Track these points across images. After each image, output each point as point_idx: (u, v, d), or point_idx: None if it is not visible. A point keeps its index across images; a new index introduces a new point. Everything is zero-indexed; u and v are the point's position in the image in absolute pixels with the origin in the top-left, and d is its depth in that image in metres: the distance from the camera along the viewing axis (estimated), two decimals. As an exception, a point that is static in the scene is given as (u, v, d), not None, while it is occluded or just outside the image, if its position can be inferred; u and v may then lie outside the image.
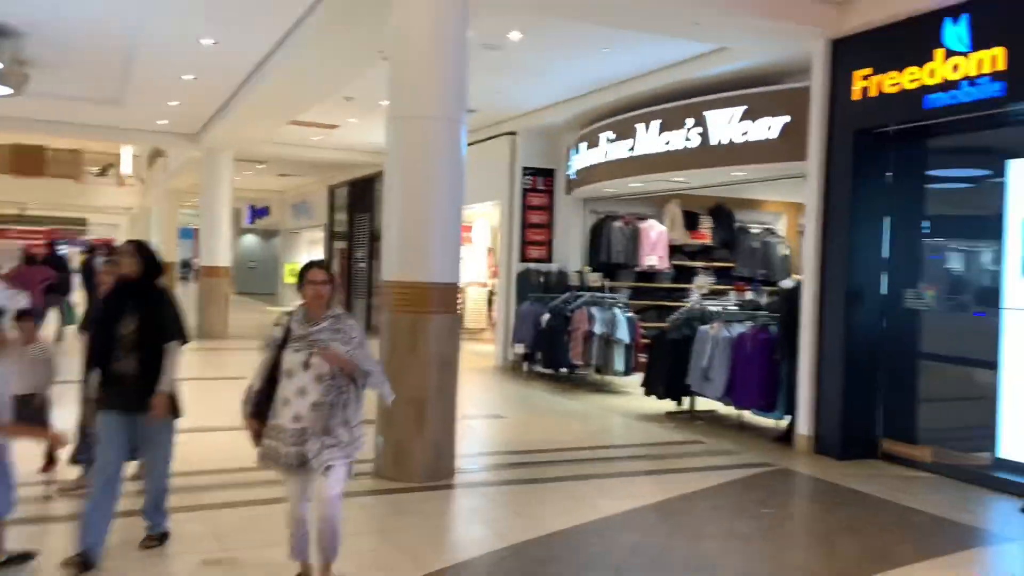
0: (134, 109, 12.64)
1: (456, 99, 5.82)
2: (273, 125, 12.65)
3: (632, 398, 9.63)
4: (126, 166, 32.48)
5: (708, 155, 8.51)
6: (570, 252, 12.19)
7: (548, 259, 12.27)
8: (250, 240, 33.69)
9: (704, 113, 8.49)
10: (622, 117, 9.75)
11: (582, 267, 11.89)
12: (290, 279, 25.10)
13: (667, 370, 8.39)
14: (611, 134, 9.92)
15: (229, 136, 13.70)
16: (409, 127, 5.79)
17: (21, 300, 8.02)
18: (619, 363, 9.91)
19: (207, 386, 8.84)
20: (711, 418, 8.50)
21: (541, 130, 11.87)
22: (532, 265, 12.07)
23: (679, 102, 8.86)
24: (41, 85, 11.18)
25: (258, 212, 30.07)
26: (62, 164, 31.06)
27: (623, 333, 9.87)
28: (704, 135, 8.50)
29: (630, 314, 10.14)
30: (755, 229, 12.76)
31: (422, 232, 5.73)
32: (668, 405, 8.69)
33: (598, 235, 11.88)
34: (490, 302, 16.24)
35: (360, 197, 18.77)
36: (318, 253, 22.34)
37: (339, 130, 13.81)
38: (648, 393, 8.66)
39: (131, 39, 8.82)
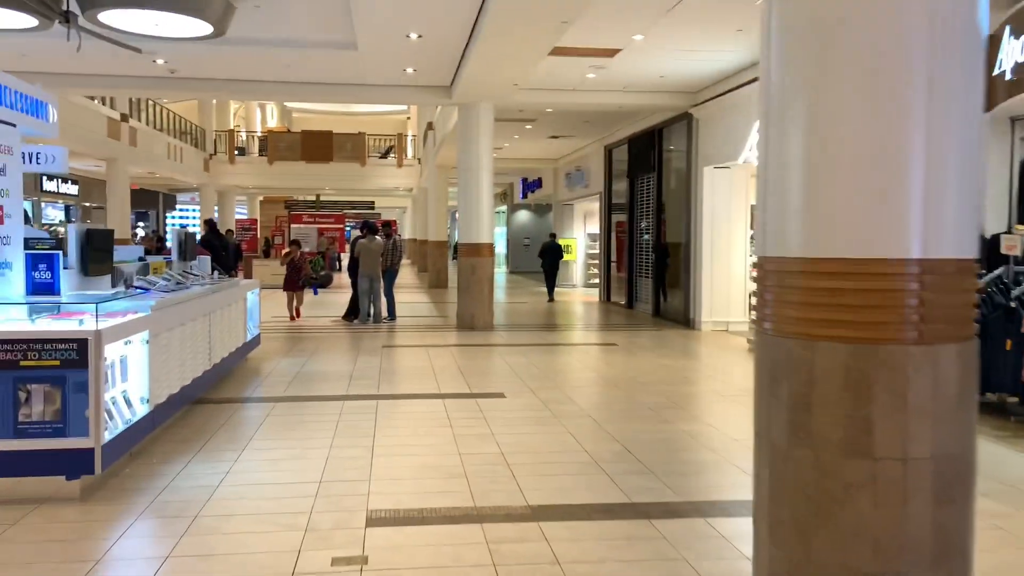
0: (373, 54, 10.32)
1: None
2: (532, 53, 9.56)
3: None
4: (407, 147, 32.33)
5: None
6: (986, 202, 7.78)
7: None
8: (523, 216, 31.82)
9: None
10: None
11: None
12: (570, 256, 22.42)
13: None
14: None
15: (483, 79, 10.92)
16: None
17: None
18: None
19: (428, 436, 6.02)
20: None
21: None
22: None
23: None
24: (262, 27, 9.26)
25: (530, 185, 27.75)
26: (347, 148, 31.65)
27: None
28: None
29: None
30: None
31: (889, 128, 2.13)
32: None
33: (1035, 175, 7.36)
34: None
35: (642, 156, 15.32)
36: (592, 227, 19.33)
37: (620, 58, 10.44)
38: None
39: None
